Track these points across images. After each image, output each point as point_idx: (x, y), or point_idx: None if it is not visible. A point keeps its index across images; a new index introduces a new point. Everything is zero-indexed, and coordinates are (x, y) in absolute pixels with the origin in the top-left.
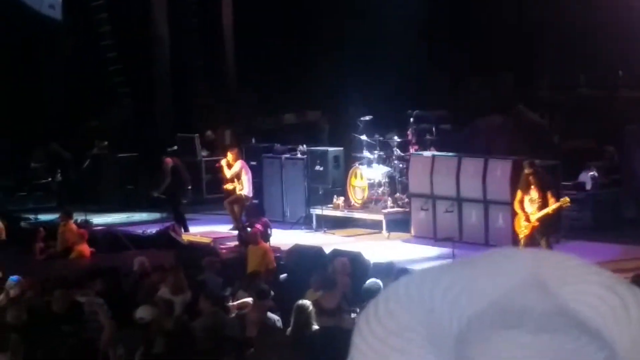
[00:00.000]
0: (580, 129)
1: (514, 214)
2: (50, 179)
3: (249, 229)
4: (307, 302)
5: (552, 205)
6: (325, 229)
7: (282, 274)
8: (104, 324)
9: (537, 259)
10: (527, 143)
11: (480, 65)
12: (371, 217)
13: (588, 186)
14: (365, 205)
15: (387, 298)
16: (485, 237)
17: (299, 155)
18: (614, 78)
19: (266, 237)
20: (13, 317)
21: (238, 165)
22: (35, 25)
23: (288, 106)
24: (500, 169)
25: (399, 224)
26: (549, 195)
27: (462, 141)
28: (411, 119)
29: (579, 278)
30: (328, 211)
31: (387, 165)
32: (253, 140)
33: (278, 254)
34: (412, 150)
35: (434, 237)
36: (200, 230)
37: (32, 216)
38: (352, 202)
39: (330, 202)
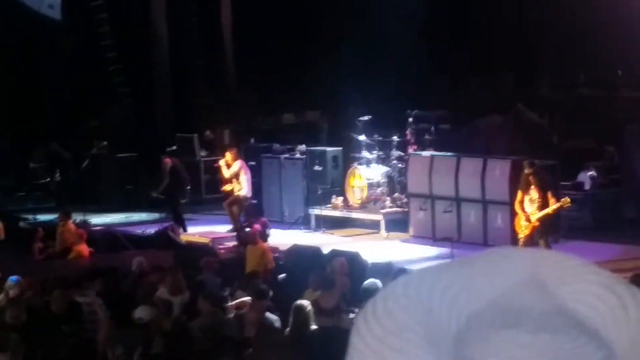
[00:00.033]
0: (580, 129)
1: (514, 214)
2: (49, 179)
3: (247, 229)
4: (305, 302)
5: (553, 206)
6: (324, 229)
7: (280, 274)
8: (101, 324)
9: (536, 259)
10: (526, 143)
11: (480, 65)
12: (370, 217)
13: (587, 186)
14: (363, 205)
15: (385, 298)
16: (484, 237)
17: (297, 155)
18: (614, 78)
19: (265, 237)
20: (12, 317)
21: (237, 165)
22: (35, 25)
23: (287, 106)
24: (499, 169)
25: (398, 224)
26: (550, 195)
27: (461, 141)
28: (410, 119)
29: (577, 278)
30: (327, 211)
31: (386, 165)
32: (252, 140)
33: (277, 254)
34: (411, 150)
35: (432, 237)
36: (199, 231)
37: (31, 216)
38: (351, 202)
39: (329, 202)
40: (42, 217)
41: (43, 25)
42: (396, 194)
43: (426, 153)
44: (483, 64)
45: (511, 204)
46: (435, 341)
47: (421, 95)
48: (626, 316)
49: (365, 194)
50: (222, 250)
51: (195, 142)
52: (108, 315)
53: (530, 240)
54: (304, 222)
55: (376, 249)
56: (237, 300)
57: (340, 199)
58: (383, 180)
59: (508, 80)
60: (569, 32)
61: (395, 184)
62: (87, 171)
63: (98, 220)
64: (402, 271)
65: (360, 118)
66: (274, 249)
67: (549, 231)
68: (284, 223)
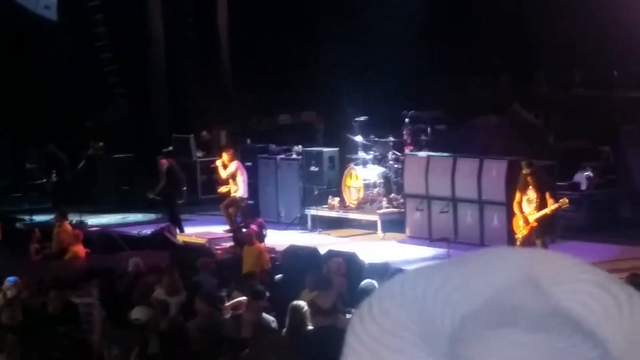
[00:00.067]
0: (576, 129)
1: (512, 215)
2: (45, 180)
3: (244, 230)
4: (301, 303)
5: (551, 206)
6: (321, 230)
7: (277, 274)
8: (95, 324)
9: (531, 258)
10: (522, 143)
11: (478, 65)
12: (366, 218)
13: (583, 186)
14: (360, 206)
15: (381, 297)
16: (481, 238)
17: (294, 156)
18: (610, 78)
19: (261, 237)
20: (9, 318)
21: (234, 165)
22: (31, 26)
23: (283, 107)
24: (496, 169)
25: (394, 224)
26: (548, 195)
27: (457, 141)
28: (406, 120)
29: (572, 277)
30: (323, 212)
31: (382, 166)
32: (248, 141)
33: (273, 255)
34: (407, 151)
35: (429, 237)
36: (195, 231)
37: (27, 217)
38: (347, 202)
39: (326, 202)
40: (39, 218)
41: (39, 26)
42: (392, 195)
43: (422, 153)
44: (481, 65)
45: (507, 204)
46: (431, 340)
47: (418, 95)
48: (621, 315)
49: (361, 195)
50: (219, 251)
51: (192, 142)
52: (104, 316)
53: (528, 241)
54: (300, 223)
55: (373, 249)
56: (232, 301)
57: (337, 199)
58: (379, 180)
59: (505, 81)
60: (566, 32)
61: (392, 184)
62: (83, 172)
63: (94, 221)
64: (398, 272)
65: (357, 118)
66: (271, 250)
67: (546, 231)
68: (280, 224)
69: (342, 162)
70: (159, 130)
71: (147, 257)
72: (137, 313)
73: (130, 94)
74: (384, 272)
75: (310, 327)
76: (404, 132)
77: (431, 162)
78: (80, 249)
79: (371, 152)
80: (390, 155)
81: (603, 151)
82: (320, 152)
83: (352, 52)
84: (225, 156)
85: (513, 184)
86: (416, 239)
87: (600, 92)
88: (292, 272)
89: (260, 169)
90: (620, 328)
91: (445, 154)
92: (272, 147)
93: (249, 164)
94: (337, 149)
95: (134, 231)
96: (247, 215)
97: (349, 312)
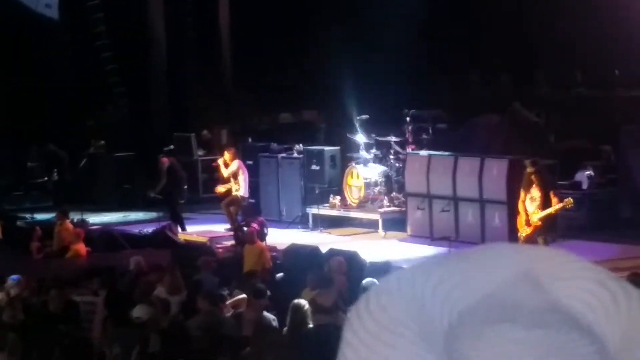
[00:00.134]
0: (577, 129)
1: (515, 213)
2: (46, 178)
3: (245, 228)
4: (302, 301)
5: (556, 206)
6: (322, 229)
7: (278, 273)
8: (97, 322)
9: (530, 255)
10: (522, 142)
11: (479, 64)
12: (367, 217)
13: (584, 185)
14: (361, 205)
15: (378, 292)
16: (482, 236)
17: (295, 155)
18: (611, 78)
19: (262, 236)
20: (10, 317)
21: (235, 164)
22: (32, 25)
23: (284, 105)
24: (497, 168)
25: (396, 223)
26: (552, 195)
27: (458, 140)
28: (407, 119)
29: (571, 274)
30: (324, 210)
31: (384, 165)
32: (249, 140)
33: (274, 253)
34: (408, 150)
35: (430, 236)
36: (197, 230)
37: (28, 215)
38: (349, 201)
39: (327, 201)
40: (40, 216)
41: (40, 25)
42: (394, 194)
43: (424, 152)
44: (482, 64)
45: (508, 203)
46: (429, 336)
47: (419, 94)
48: (618, 311)
49: (362, 193)
50: (220, 250)
51: (193, 141)
52: (106, 315)
53: (531, 240)
54: (301, 222)
55: (374, 248)
56: (233, 299)
57: (338, 198)
58: (381, 179)
59: (505, 80)
60: (567, 32)
61: (393, 183)
62: (84, 170)
63: (95, 219)
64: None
65: (358, 117)
66: (272, 248)
67: (548, 230)
68: (281, 222)
69: (344, 161)
70: (159, 129)
71: (148, 256)
72: (138, 311)
73: (131, 93)
74: (385, 270)
75: (311, 326)
76: (405, 131)
77: (432, 161)
78: (81, 248)
79: (372, 151)
80: (391, 154)
81: (604, 150)
82: (322, 151)
83: (353, 51)
84: (226, 155)
85: (514, 183)
86: (417, 237)
87: (601, 92)
88: (293, 271)
89: (262, 168)
90: (617, 324)
91: (446, 153)
92: (273, 145)
93: (250, 162)
94: (338, 147)
95: (135, 230)
96: (249, 214)
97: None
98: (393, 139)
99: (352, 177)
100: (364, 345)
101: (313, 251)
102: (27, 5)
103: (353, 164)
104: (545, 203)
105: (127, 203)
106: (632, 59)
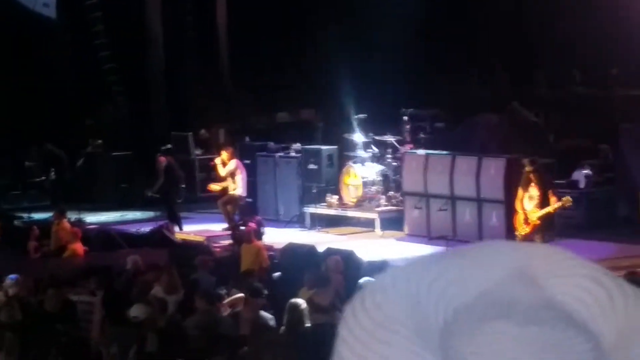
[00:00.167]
0: (575, 128)
1: (514, 212)
2: (44, 178)
3: (242, 228)
4: (299, 300)
5: (554, 205)
6: (319, 228)
7: (275, 272)
8: (95, 322)
9: (526, 252)
10: (521, 141)
11: (477, 64)
12: (365, 216)
13: (582, 184)
14: (359, 204)
15: (373, 290)
16: (479, 236)
17: (292, 154)
18: (610, 77)
19: (259, 235)
20: (7, 317)
21: (233, 163)
22: (29, 24)
23: (282, 105)
24: (494, 168)
25: (393, 222)
26: (550, 193)
27: (456, 140)
28: (405, 118)
29: (567, 271)
30: (322, 210)
31: (381, 164)
32: (247, 139)
33: (272, 253)
34: (406, 149)
35: (427, 235)
36: (194, 229)
37: (26, 215)
38: (346, 200)
39: (324, 200)
40: (37, 216)
41: (38, 24)
42: (391, 193)
43: (421, 151)
44: (480, 63)
45: (506, 202)
46: (424, 333)
47: (417, 94)
48: (613, 308)
49: (360, 193)
50: (217, 249)
51: (190, 140)
52: (103, 314)
53: (529, 239)
54: (299, 221)
55: (371, 247)
56: (230, 298)
57: (335, 197)
58: (378, 178)
59: (504, 80)
60: (565, 31)
61: (390, 182)
62: (82, 170)
63: (93, 218)
64: None
65: (356, 116)
66: (269, 248)
67: (546, 228)
68: (279, 221)
69: (341, 160)
70: (158, 129)
71: (146, 255)
72: (136, 311)
73: (129, 92)
74: (382, 270)
75: (308, 325)
76: (403, 130)
77: (430, 160)
78: (78, 247)
79: (370, 150)
80: (389, 153)
81: (602, 149)
82: (319, 150)
83: (351, 51)
84: (224, 154)
85: (512, 182)
86: (415, 236)
87: (600, 91)
88: (290, 270)
89: (259, 167)
90: (613, 322)
91: (444, 152)
92: (271, 145)
93: (247, 162)
94: (335, 147)
95: (133, 229)
96: (246, 213)
97: None
98: (391, 138)
99: (349, 176)
100: (359, 343)
101: (310, 250)
102: (25, 4)
103: (350, 163)
104: (543, 202)
105: (125, 202)
106: (631, 58)
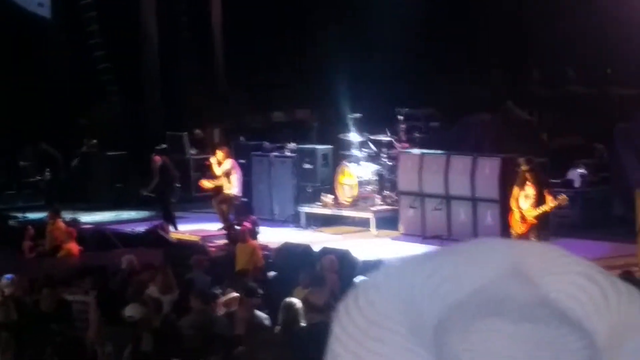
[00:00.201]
0: (570, 127)
1: (509, 211)
2: (39, 177)
3: (237, 227)
4: (294, 300)
5: (550, 204)
6: (314, 227)
7: (270, 271)
8: (91, 322)
9: (520, 249)
10: (515, 140)
11: (472, 63)
12: (360, 215)
13: (577, 184)
14: (354, 203)
15: (367, 288)
16: (474, 235)
17: (287, 153)
18: (604, 76)
19: (254, 235)
20: (2, 316)
21: (228, 163)
22: (24, 24)
23: (277, 104)
24: (489, 167)
25: (388, 221)
26: (546, 192)
27: (451, 139)
28: (400, 117)
29: (561, 268)
30: (317, 209)
31: (376, 163)
32: (242, 138)
33: (267, 252)
34: (401, 148)
35: (422, 234)
36: (189, 229)
37: (20, 214)
38: (341, 200)
39: (319, 200)
40: (32, 216)
41: (33, 24)
42: (386, 192)
43: (416, 151)
44: (475, 63)
45: (501, 201)
46: (418, 330)
47: (412, 93)
48: (607, 305)
49: (355, 192)
50: (212, 248)
51: (185, 140)
52: (99, 314)
53: (525, 238)
54: (294, 220)
55: (366, 246)
56: (225, 298)
57: (331, 196)
58: (373, 178)
59: (499, 79)
60: (561, 31)
61: (385, 181)
62: (77, 169)
63: (88, 218)
64: None
65: (351, 116)
66: (264, 247)
67: (542, 227)
68: (274, 221)
69: (336, 160)
70: (153, 128)
71: (141, 255)
72: (131, 310)
73: (124, 92)
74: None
75: (303, 324)
76: (398, 129)
77: (425, 160)
78: (73, 247)
79: (365, 150)
80: (384, 152)
81: (597, 149)
82: (314, 150)
83: (348, 50)
84: (219, 154)
85: (506, 182)
86: (410, 236)
87: (594, 90)
88: (285, 270)
89: (254, 167)
90: (607, 320)
91: (439, 152)
92: (266, 144)
93: (242, 161)
94: (330, 146)
95: (128, 229)
96: (241, 213)
97: None
98: (386, 137)
99: (344, 175)
100: (352, 340)
101: (305, 250)
102: (20, 4)
103: (345, 162)
104: (539, 201)
105: (120, 202)
106: (625, 57)
